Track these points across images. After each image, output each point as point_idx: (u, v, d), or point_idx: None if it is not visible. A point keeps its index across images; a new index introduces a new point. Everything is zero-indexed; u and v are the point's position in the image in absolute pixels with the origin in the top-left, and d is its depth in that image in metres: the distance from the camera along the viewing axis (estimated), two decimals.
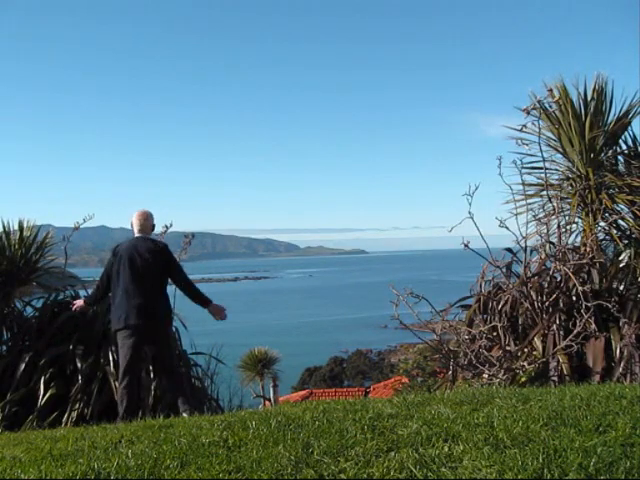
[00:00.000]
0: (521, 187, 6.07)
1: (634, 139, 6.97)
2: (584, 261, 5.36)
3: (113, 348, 5.57)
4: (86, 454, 2.97)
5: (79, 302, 5.44)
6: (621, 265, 5.77)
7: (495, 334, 5.22)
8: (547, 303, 5.19)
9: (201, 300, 5.26)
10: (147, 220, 5.30)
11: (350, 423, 3.06)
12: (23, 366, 5.55)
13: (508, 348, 5.08)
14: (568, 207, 6.56)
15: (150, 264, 5.00)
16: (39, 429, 4.79)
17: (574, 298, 5.15)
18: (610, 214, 6.47)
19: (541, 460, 2.27)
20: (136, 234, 5.24)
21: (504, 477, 2.18)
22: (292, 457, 2.55)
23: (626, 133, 6.99)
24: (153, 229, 5.43)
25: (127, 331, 4.83)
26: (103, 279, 5.18)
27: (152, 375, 5.52)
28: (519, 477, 2.16)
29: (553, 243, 5.77)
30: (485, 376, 5.08)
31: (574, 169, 6.87)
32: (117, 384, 4.95)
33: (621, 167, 7.04)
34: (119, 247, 5.16)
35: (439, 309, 5.49)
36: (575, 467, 2.18)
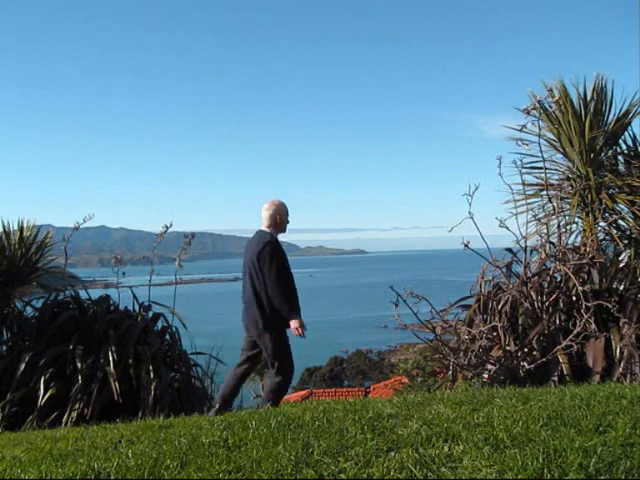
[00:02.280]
0: (521, 187, 6.07)
1: (634, 139, 6.98)
2: (584, 261, 5.36)
3: (113, 348, 5.57)
4: (86, 454, 2.97)
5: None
6: (621, 265, 5.77)
7: (495, 334, 5.21)
8: (547, 303, 5.18)
9: (285, 312, 4.66)
10: (266, 211, 4.88)
11: (350, 423, 3.06)
12: (23, 366, 5.54)
13: (508, 348, 5.08)
14: (568, 207, 6.56)
15: (254, 262, 4.72)
16: (39, 429, 4.79)
17: (574, 298, 5.15)
18: (610, 214, 6.48)
19: (541, 460, 2.27)
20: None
21: (504, 477, 2.18)
22: (292, 457, 2.55)
23: (626, 133, 7.00)
24: (277, 221, 4.86)
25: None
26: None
27: (152, 375, 5.51)
28: (519, 477, 2.16)
29: (553, 243, 5.77)
30: (485, 376, 5.08)
31: (574, 169, 6.87)
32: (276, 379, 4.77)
33: (621, 167, 7.04)
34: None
35: (439, 309, 5.49)
36: (575, 467, 2.18)
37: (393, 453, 2.53)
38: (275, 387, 4.83)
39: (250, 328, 4.85)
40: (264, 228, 4.90)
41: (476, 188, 5.28)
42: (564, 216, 6.41)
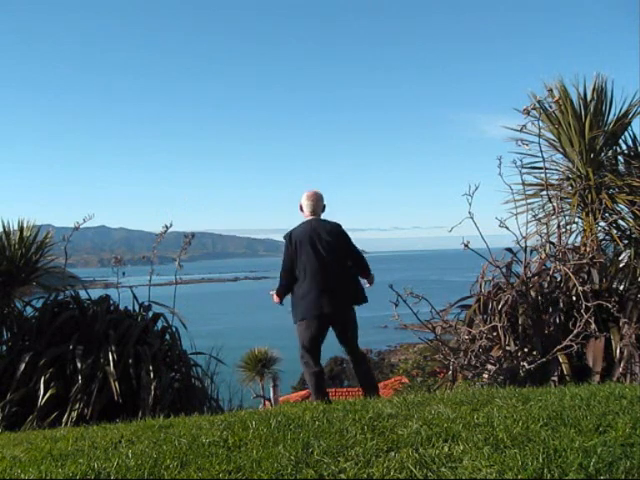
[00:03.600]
0: (521, 187, 6.07)
1: (634, 139, 6.98)
2: (584, 261, 5.36)
3: (113, 348, 5.57)
4: (86, 454, 2.98)
5: (275, 298, 5.20)
6: (621, 265, 5.77)
7: (495, 334, 5.21)
8: (547, 303, 5.18)
9: (366, 275, 5.17)
10: (320, 201, 5.10)
11: (350, 423, 3.07)
12: (23, 366, 5.54)
13: (508, 348, 5.08)
14: (568, 207, 6.56)
15: (333, 246, 4.87)
16: (39, 429, 4.79)
17: (574, 298, 5.15)
18: (610, 214, 6.48)
19: (541, 460, 2.27)
20: (308, 216, 5.07)
21: (504, 477, 2.18)
22: (292, 457, 2.55)
23: (626, 133, 7.00)
24: (324, 210, 5.17)
25: (316, 320, 4.83)
26: (287, 268, 4.99)
27: (152, 375, 5.51)
28: (519, 477, 2.16)
29: (553, 243, 5.76)
30: (485, 376, 5.08)
31: (574, 169, 6.87)
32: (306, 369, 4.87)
33: (621, 167, 7.04)
34: (293, 233, 4.99)
35: (439, 309, 5.49)
36: (575, 467, 2.18)
37: (393, 453, 2.53)
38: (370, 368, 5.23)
39: (339, 309, 4.91)
40: (318, 216, 5.11)
41: (476, 188, 5.28)
42: (564, 216, 6.41)
